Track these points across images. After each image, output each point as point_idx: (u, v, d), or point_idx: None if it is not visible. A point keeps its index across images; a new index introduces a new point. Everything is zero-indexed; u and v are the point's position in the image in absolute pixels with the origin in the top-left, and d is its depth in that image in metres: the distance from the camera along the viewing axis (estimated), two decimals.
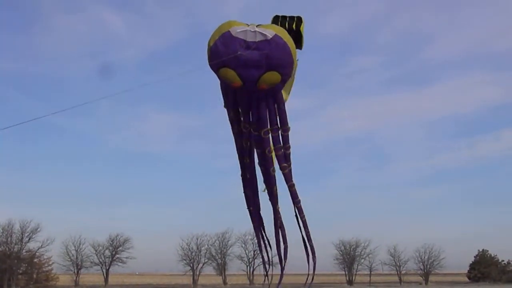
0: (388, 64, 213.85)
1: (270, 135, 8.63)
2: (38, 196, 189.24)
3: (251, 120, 8.60)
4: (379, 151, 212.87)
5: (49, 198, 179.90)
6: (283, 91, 8.57)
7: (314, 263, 10.10)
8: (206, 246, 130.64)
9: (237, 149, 9.20)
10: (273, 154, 8.84)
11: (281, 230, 9.92)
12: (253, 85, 8.09)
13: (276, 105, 8.47)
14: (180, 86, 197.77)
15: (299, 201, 9.45)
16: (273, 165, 9.11)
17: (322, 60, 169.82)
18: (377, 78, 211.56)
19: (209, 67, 8.26)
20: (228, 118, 8.98)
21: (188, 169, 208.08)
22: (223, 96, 8.79)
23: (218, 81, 8.68)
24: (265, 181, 9.40)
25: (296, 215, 9.56)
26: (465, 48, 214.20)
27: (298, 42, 8.66)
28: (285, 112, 8.58)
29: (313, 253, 10.07)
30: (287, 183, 9.11)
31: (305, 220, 9.55)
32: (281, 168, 8.99)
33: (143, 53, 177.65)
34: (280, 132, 8.74)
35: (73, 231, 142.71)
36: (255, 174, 9.61)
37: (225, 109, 8.98)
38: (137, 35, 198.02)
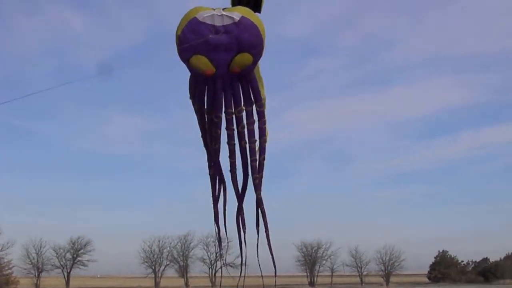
0: (349, 67, 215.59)
1: (244, 112, 8.51)
2: None
3: (224, 105, 8.44)
4: (341, 153, 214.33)
5: (9, 201, 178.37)
6: (260, 88, 8.49)
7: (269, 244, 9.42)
8: (168, 248, 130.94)
9: (206, 141, 9.02)
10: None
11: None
12: (225, 70, 8.00)
13: (249, 85, 8.40)
14: (143, 88, 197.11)
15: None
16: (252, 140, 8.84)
17: (283, 62, 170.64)
18: (338, 80, 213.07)
19: (179, 58, 8.05)
20: (196, 112, 8.78)
21: (150, 171, 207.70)
22: (191, 90, 8.62)
23: (186, 78, 8.54)
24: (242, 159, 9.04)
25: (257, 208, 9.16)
26: (426, 51, 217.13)
27: (258, 7, 8.45)
28: (259, 90, 8.46)
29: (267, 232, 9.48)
30: (258, 155, 8.89)
31: (264, 211, 9.15)
32: (251, 142, 8.81)
33: (104, 54, 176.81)
34: (254, 107, 8.60)
35: (33, 234, 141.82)
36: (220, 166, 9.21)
37: (192, 104, 8.79)
38: (97, 35, 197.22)
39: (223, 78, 8.19)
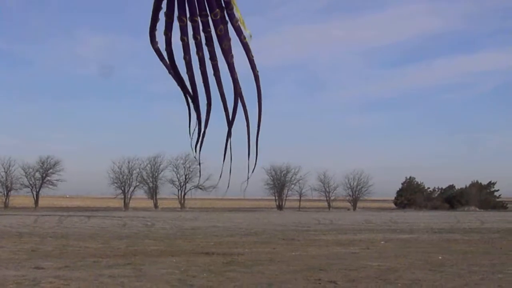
0: None
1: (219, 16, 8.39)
2: None
3: (195, 8, 8.30)
4: (312, 79, 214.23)
5: None
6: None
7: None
8: (138, 169, 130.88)
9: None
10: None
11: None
12: None
13: None
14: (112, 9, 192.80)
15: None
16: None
17: None
18: (312, 6, 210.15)
19: None
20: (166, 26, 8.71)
21: (121, 92, 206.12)
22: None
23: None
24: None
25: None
26: None
27: None
28: None
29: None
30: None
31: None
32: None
33: None
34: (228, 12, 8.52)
35: (2, 153, 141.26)
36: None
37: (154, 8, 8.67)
38: None
39: None
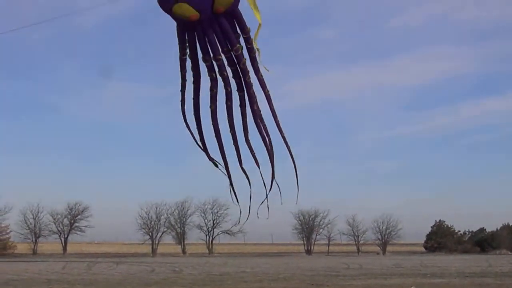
0: (349, 35, 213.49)
1: (240, 51, 8.29)
2: None
3: (219, 49, 8.34)
4: (340, 123, 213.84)
5: (7, 166, 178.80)
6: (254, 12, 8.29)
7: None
8: (165, 215, 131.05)
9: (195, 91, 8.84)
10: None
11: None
12: (209, 12, 7.91)
13: (236, 21, 8.27)
14: (138, 54, 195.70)
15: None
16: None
17: (282, 32, 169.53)
18: (337, 49, 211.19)
19: (162, 11, 7.94)
20: (191, 68, 8.64)
21: (148, 138, 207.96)
22: (180, 43, 8.49)
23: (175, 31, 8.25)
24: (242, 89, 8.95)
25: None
26: (427, 19, 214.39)
27: None
28: (245, 23, 8.32)
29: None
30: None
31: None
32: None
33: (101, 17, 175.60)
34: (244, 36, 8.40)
35: (31, 199, 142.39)
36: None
37: (181, 61, 8.60)
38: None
39: (210, 20, 8.07)
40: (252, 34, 8.61)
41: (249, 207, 9.07)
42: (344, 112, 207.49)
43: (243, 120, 9.40)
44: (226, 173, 9.03)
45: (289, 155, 8.93)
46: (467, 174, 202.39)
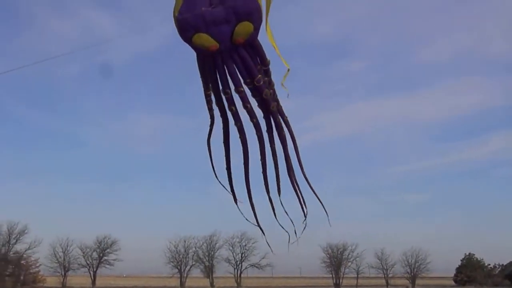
0: (376, 68, 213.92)
1: (262, 81, 8.41)
2: (26, 197, 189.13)
3: (238, 79, 8.39)
4: (369, 155, 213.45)
5: (37, 200, 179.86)
6: (267, 33, 8.37)
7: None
8: (194, 248, 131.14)
9: (223, 119, 8.98)
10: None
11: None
12: (229, 42, 7.95)
13: (255, 53, 8.32)
14: (171, 88, 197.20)
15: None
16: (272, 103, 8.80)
17: (309, 64, 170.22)
18: (365, 82, 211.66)
19: (182, 40, 8.05)
20: (212, 97, 8.74)
21: (175, 170, 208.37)
22: (201, 71, 8.55)
23: (195, 61, 8.45)
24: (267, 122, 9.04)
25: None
26: (455, 52, 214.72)
27: None
28: (265, 54, 8.39)
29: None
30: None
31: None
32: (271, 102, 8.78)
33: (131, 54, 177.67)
34: (264, 69, 8.56)
35: (60, 233, 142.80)
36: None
37: (206, 91, 8.71)
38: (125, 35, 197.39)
39: (229, 51, 8.07)
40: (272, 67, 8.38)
41: (267, 243, 9.22)
42: (373, 144, 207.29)
43: (272, 149, 9.28)
44: (250, 205, 9.10)
45: (310, 189, 9.03)
46: (497, 206, 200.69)
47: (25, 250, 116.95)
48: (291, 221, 8.73)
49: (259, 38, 8.27)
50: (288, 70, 8.80)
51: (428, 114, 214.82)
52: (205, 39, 7.84)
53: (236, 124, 8.77)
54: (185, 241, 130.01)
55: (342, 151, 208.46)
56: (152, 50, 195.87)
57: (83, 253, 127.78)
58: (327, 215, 9.60)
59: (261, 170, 8.96)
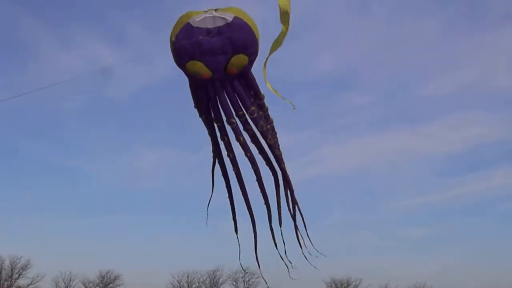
0: (380, 102, 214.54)
1: (256, 114, 8.44)
2: (29, 232, 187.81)
3: (230, 111, 8.40)
4: (371, 189, 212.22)
5: (40, 234, 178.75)
6: (282, 26, 8.21)
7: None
8: (197, 283, 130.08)
9: (214, 149, 9.02)
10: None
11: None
12: (222, 72, 7.96)
13: (249, 86, 8.34)
14: (175, 121, 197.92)
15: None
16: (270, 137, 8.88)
17: (313, 98, 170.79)
18: (369, 116, 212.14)
19: (176, 65, 8.11)
20: (204, 123, 8.82)
21: (178, 205, 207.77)
22: (194, 98, 8.58)
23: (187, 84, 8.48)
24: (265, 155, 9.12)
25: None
26: (458, 86, 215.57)
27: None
28: (259, 87, 8.37)
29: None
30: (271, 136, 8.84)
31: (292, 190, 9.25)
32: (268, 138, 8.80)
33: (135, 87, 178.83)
34: (258, 102, 8.58)
35: (63, 267, 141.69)
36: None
37: (200, 116, 8.82)
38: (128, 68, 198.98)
39: (222, 80, 8.16)
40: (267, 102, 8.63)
41: (263, 278, 9.40)
42: (376, 179, 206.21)
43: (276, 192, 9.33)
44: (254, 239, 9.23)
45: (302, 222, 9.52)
46: (502, 241, 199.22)
47: (28, 285, 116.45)
48: (285, 252, 8.96)
49: (255, 72, 8.34)
50: (294, 108, 8.89)
51: (431, 148, 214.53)
52: (199, 67, 7.92)
53: (228, 155, 8.82)
54: (188, 276, 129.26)
55: (346, 185, 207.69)
56: (157, 82, 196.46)
57: (86, 287, 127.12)
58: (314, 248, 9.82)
59: (263, 201, 9.11)
